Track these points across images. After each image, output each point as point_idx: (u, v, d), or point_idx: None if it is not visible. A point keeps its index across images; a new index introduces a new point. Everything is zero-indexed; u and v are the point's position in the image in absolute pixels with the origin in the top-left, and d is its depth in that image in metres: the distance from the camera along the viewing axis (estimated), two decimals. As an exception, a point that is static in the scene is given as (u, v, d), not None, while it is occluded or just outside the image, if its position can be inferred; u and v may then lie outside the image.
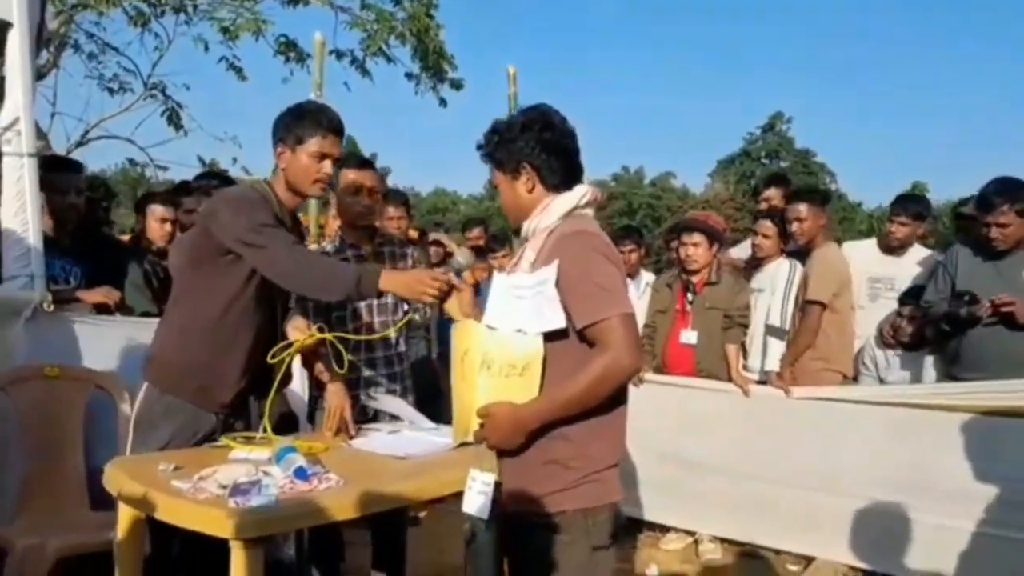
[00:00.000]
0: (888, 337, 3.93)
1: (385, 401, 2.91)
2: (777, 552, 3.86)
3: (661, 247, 5.40)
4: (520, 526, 1.82)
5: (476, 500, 1.80)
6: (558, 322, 1.75)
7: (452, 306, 2.15)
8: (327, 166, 2.39)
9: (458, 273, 2.02)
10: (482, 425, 1.79)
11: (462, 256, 1.88)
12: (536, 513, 1.80)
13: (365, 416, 2.93)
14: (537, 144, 1.88)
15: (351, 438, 2.57)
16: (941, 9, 74.02)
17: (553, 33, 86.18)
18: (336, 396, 2.61)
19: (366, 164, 3.02)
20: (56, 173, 3.48)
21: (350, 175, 2.90)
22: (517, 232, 2.06)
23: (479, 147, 1.97)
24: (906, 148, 73.78)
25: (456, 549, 1.94)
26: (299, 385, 3.54)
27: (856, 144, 72.88)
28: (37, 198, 3.21)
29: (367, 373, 2.92)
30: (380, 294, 2.33)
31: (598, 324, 1.74)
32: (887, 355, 3.96)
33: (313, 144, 2.36)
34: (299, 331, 2.57)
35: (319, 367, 2.65)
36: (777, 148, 46.06)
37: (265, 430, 2.43)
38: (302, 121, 2.38)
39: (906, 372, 3.88)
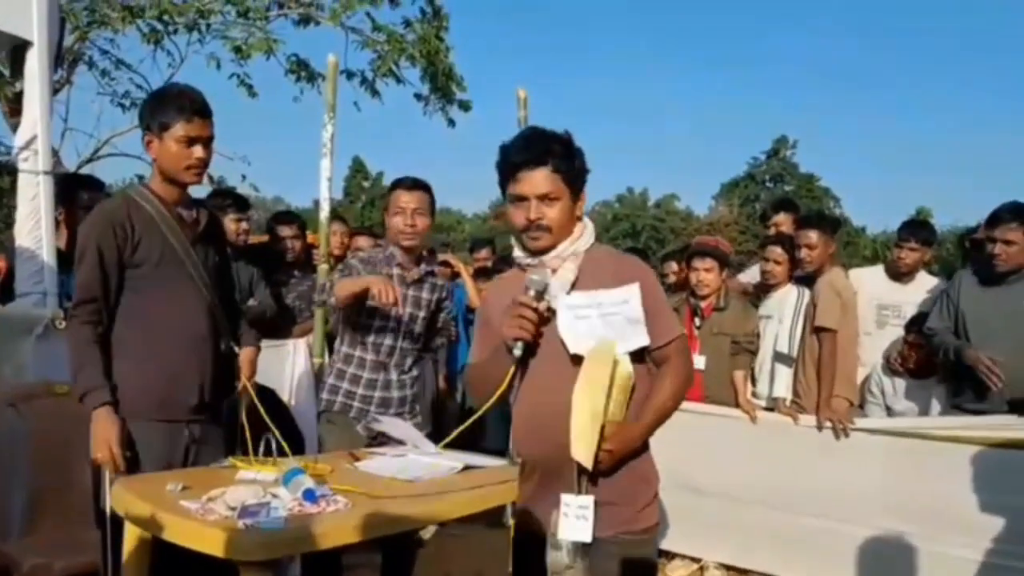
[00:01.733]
0: (896, 364, 3.92)
1: (390, 424, 2.91)
2: (783, 580, 3.83)
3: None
4: (614, 545, 1.80)
5: (575, 525, 1.76)
6: (643, 340, 1.81)
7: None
8: (198, 151, 2.34)
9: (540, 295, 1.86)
10: (608, 450, 1.78)
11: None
12: (635, 530, 1.82)
13: (379, 437, 2.94)
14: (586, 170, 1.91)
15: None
16: (945, 34, 74.45)
17: (559, 55, 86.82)
18: (377, 281, 2.70)
19: (418, 185, 2.97)
20: (84, 190, 3.52)
21: (400, 196, 2.92)
22: (504, 258, 2.07)
23: (553, 152, 1.82)
24: (910, 173, 73.92)
25: (461, 572, 1.93)
26: (309, 406, 3.54)
27: (860, 169, 73.10)
28: (52, 216, 3.24)
29: (379, 394, 2.93)
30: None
31: (673, 343, 1.85)
32: (894, 383, 3.95)
33: (179, 129, 2.30)
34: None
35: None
36: (781, 172, 46.21)
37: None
38: (165, 107, 2.33)
39: (913, 401, 3.87)
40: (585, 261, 1.87)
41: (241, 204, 4.00)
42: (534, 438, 1.86)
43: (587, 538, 1.75)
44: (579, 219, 1.90)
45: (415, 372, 3.07)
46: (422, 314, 3.03)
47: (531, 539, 1.87)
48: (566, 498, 1.78)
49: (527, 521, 1.90)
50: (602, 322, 1.79)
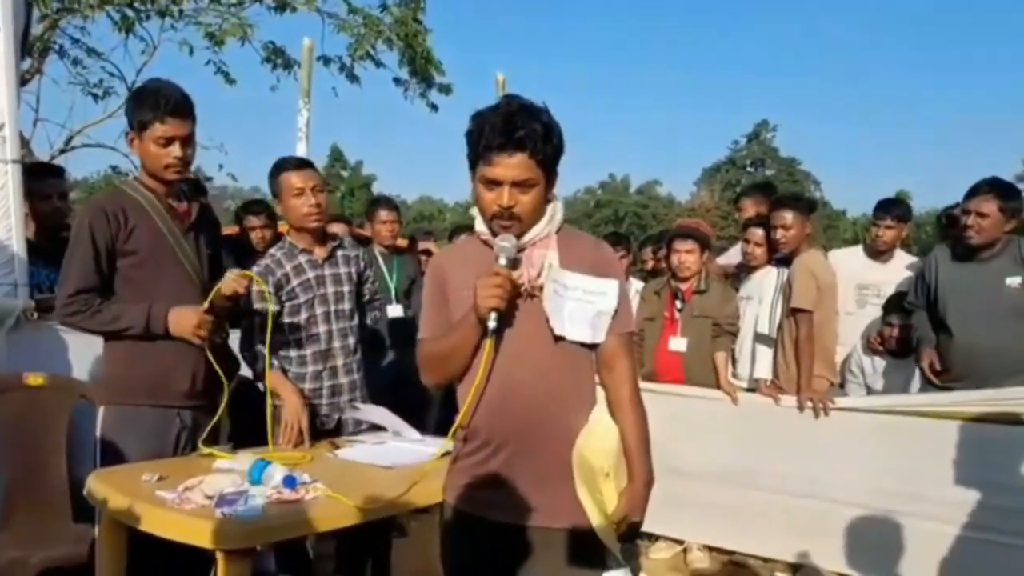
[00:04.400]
0: (875, 344, 3.95)
1: (368, 411, 2.87)
2: (765, 560, 3.85)
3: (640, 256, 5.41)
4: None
5: None
6: (599, 337, 1.77)
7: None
8: (176, 150, 2.37)
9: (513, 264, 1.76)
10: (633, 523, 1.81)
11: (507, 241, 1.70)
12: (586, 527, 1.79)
13: (337, 428, 2.90)
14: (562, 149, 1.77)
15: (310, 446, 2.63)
16: (926, 19, 74.89)
17: (539, 40, 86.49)
18: (292, 410, 2.65)
19: (304, 164, 2.96)
20: (38, 179, 3.48)
21: (291, 177, 2.83)
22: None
23: (533, 136, 1.66)
24: (889, 156, 74.48)
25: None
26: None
27: (840, 152, 73.54)
28: (21, 205, 3.18)
29: (328, 383, 2.88)
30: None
31: (623, 335, 1.82)
32: (874, 362, 3.98)
33: (156, 130, 2.34)
34: None
35: (274, 380, 2.68)
36: (762, 157, 46.46)
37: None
38: (142, 107, 2.35)
39: (893, 379, 3.90)
40: (560, 242, 1.79)
41: (198, 189, 3.91)
42: (505, 417, 1.75)
43: None
44: (549, 201, 1.79)
45: (359, 354, 2.98)
46: (346, 288, 2.95)
47: (477, 522, 1.80)
48: None
49: (478, 503, 1.80)
50: (576, 305, 1.74)
